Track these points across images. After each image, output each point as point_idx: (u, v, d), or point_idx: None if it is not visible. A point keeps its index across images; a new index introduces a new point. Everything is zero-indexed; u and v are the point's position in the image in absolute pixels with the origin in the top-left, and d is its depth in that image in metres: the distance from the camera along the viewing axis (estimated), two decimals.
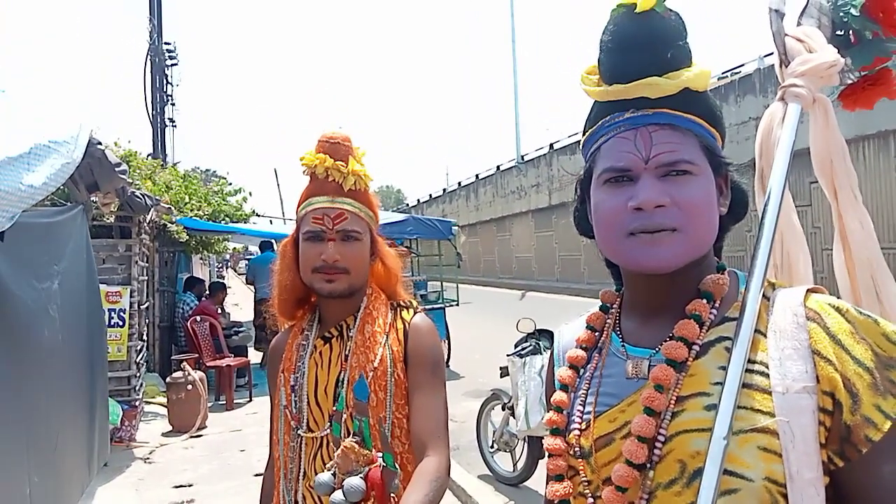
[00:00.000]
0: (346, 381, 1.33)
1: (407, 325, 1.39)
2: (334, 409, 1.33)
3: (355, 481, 1.12)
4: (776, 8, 0.93)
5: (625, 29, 0.76)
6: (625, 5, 0.76)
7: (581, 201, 0.87)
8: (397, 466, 1.21)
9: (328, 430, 1.32)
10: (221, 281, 12.30)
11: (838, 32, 0.93)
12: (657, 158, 0.75)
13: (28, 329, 2.84)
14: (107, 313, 5.73)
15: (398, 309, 1.43)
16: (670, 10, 0.77)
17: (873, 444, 0.66)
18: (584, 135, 0.86)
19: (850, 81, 0.93)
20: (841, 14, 0.92)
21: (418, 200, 39.40)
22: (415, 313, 1.42)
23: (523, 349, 4.14)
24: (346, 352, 1.37)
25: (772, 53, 0.96)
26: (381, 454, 1.19)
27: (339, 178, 1.39)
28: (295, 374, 1.40)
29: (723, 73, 13.85)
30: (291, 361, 1.43)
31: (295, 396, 1.38)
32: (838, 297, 0.80)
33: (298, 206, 1.44)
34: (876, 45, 0.91)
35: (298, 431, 1.36)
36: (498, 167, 25.93)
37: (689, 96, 0.77)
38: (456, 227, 10.59)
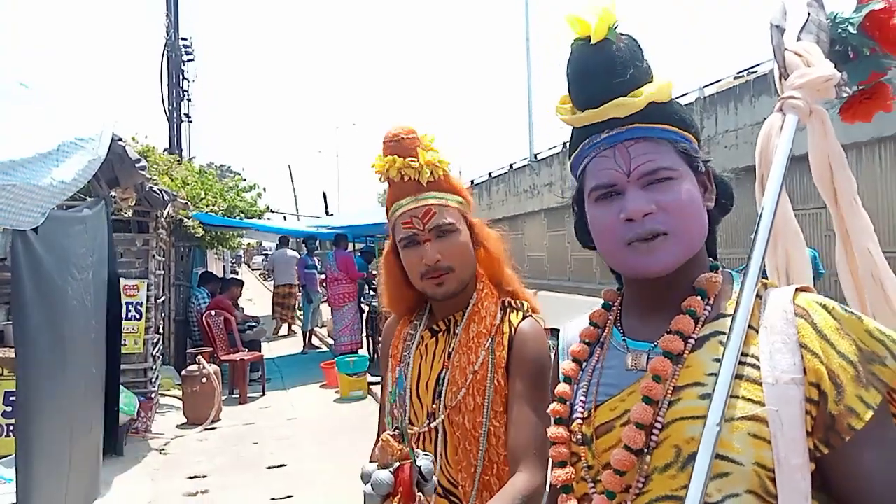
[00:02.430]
0: (446, 380, 1.30)
1: (514, 329, 1.31)
2: (433, 406, 1.30)
3: (383, 475, 1.08)
4: (777, 23, 0.98)
5: (585, 59, 0.83)
6: (581, 38, 0.83)
7: (579, 216, 0.93)
8: (433, 467, 1.14)
9: (426, 427, 1.30)
10: (237, 277, 12.45)
11: (837, 48, 0.98)
12: (638, 170, 0.82)
13: (68, 320, 2.93)
14: (125, 306, 5.85)
15: (507, 310, 1.35)
16: (623, 36, 0.84)
17: (856, 432, 0.71)
18: (570, 158, 0.93)
19: (845, 95, 0.98)
20: (839, 31, 0.97)
21: None
22: (524, 317, 1.34)
23: None
24: (451, 349, 1.33)
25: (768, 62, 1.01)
26: (422, 452, 1.15)
27: (414, 175, 1.32)
28: (400, 364, 1.39)
29: (738, 73, 13.76)
30: (398, 349, 1.41)
31: (398, 386, 1.37)
32: (844, 298, 0.85)
33: (387, 214, 1.40)
34: (873, 60, 0.95)
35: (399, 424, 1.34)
36: (511, 166, 25.91)
37: (656, 108, 0.84)
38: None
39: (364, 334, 9.36)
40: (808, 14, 1.00)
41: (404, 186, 1.34)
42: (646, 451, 0.78)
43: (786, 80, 0.95)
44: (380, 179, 1.38)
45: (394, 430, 1.26)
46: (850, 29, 0.96)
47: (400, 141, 1.33)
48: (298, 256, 12.27)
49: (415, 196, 1.33)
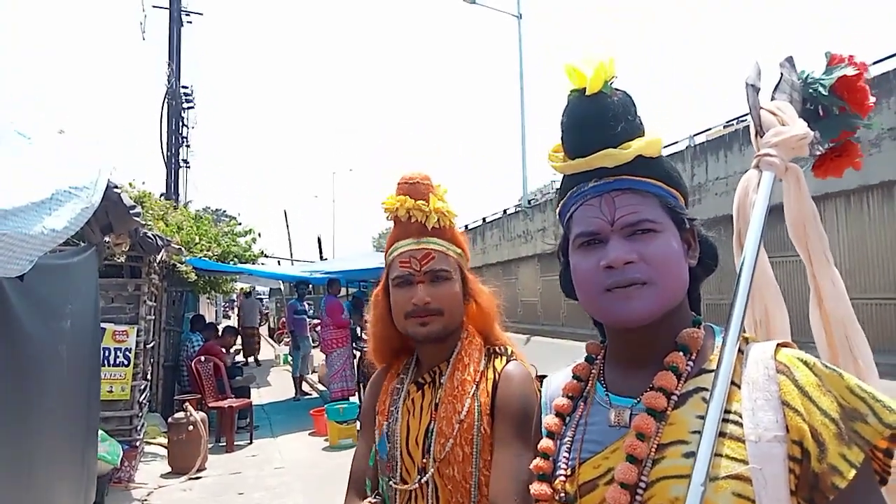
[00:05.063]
0: (434, 433, 1.27)
1: (497, 374, 1.30)
2: (423, 460, 1.28)
3: None
4: (752, 83, 1.01)
5: (579, 109, 0.86)
6: (577, 90, 0.86)
7: (565, 266, 0.94)
8: None
9: (416, 484, 1.27)
10: (233, 326, 12.48)
11: (808, 106, 1.02)
12: (621, 220, 0.84)
13: (38, 369, 2.89)
14: (113, 352, 5.77)
15: (492, 356, 1.35)
16: (617, 90, 0.86)
17: (840, 491, 0.70)
18: (557, 206, 0.94)
19: (818, 153, 1.01)
20: (811, 91, 1.01)
21: None
22: (508, 361, 1.33)
23: None
24: (437, 400, 1.31)
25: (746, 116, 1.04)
26: None
27: (422, 218, 1.35)
28: (388, 420, 1.36)
29: (727, 122, 14.05)
30: (385, 405, 1.40)
31: (388, 444, 1.34)
32: (816, 353, 0.86)
33: (385, 254, 1.42)
34: (843, 119, 0.99)
35: (391, 483, 1.31)
36: (504, 211, 26.13)
37: (644, 162, 0.86)
38: None
39: (356, 381, 9.24)
40: (781, 74, 1.04)
41: (409, 227, 1.37)
42: None
43: (761, 137, 0.98)
44: (387, 217, 1.40)
45: (374, 497, 1.21)
46: (822, 89, 0.99)
47: (415, 184, 1.37)
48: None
49: (417, 239, 1.35)
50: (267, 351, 18.36)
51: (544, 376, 1.08)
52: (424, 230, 1.36)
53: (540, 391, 1.04)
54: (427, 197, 1.37)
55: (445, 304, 1.31)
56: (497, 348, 1.37)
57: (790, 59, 1.04)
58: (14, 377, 2.65)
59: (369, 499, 1.23)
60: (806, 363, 0.77)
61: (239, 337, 12.76)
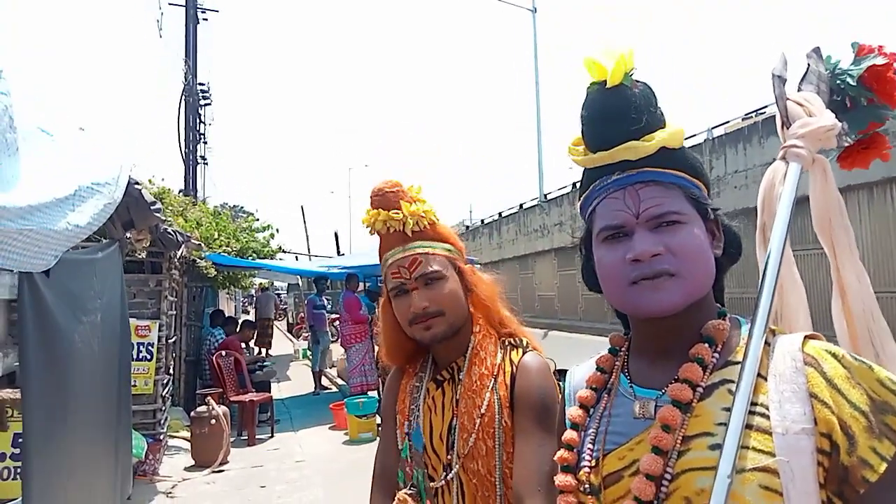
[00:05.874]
0: (457, 429, 1.28)
1: (515, 367, 1.30)
2: (448, 457, 1.29)
3: None
4: (779, 74, 1.00)
5: (600, 102, 0.85)
6: (597, 82, 0.85)
7: (587, 259, 0.93)
8: None
9: (443, 481, 1.28)
10: (250, 320, 12.59)
11: (835, 97, 1.00)
12: (646, 212, 0.83)
13: (73, 363, 2.94)
14: (136, 347, 5.86)
15: (508, 348, 1.35)
16: (638, 82, 0.85)
17: (870, 484, 0.69)
18: (579, 199, 0.94)
19: (846, 144, 0.99)
20: (838, 82, 0.99)
21: None
22: (524, 353, 1.33)
23: None
24: (457, 396, 1.31)
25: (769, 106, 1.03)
26: None
27: (399, 227, 1.35)
28: (409, 418, 1.37)
29: (746, 114, 13.83)
30: (405, 404, 1.40)
31: (416, 443, 1.34)
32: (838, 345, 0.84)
33: (381, 265, 1.43)
34: (871, 110, 0.97)
35: (415, 481, 1.32)
36: (521, 205, 26.04)
37: (667, 153, 0.85)
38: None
39: (376, 375, 9.30)
40: (808, 65, 1.02)
41: (391, 238, 1.37)
42: (655, 502, 0.77)
43: (788, 128, 0.96)
44: (369, 233, 1.40)
45: (410, 489, 1.23)
46: (850, 81, 0.98)
47: (384, 195, 1.36)
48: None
49: (402, 247, 1.36)
50: (286, 345, 18.59)
51: (564, 371, 1.08)
52: (406, 237, 1.36)
53: (558, 382, 1.04)
54: (398, 204, 1.36)
55: (444, 304, 1.32)
56: (513, 340, 1.37)
57: (817, 50, 1.02)
58: (52, 373, 2.71)
59: (405, 490, 1.24)
60: (834, 355, 0.76)
61: (255, 329, 12.94)
